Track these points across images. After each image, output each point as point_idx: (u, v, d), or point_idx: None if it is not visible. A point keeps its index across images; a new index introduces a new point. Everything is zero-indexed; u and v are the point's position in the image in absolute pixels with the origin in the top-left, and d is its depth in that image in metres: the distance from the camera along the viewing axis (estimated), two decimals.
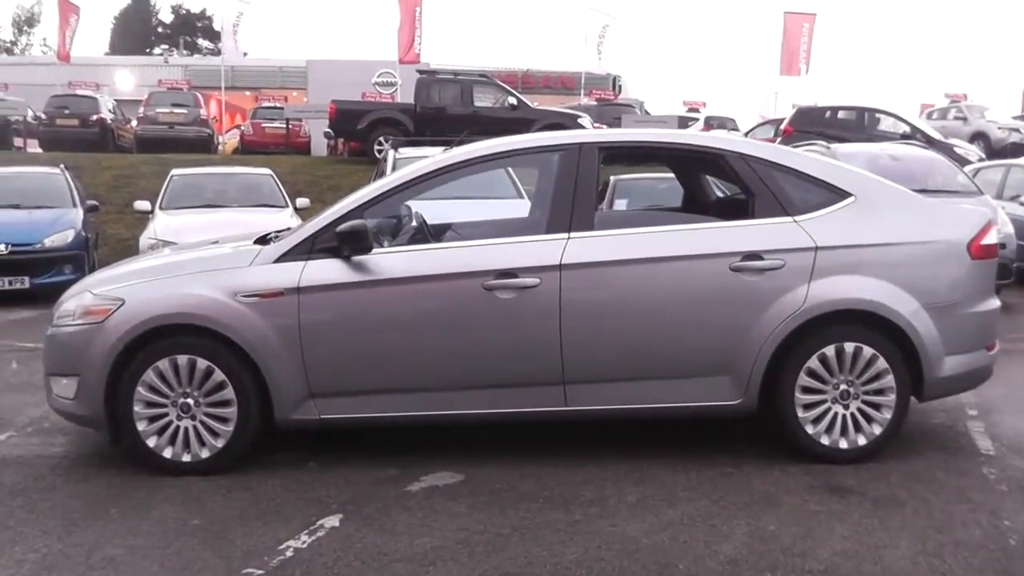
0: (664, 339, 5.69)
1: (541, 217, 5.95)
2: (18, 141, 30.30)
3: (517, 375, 5.68)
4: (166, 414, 5.67)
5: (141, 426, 5.65)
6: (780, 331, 5.65)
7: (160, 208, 14.10)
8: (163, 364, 5.62)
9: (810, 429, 5.76)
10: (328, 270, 5.64)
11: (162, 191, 14.67)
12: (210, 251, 6.33)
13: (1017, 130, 29.70)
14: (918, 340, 5.74)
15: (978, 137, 29.24)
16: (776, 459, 5.84)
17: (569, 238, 5.68)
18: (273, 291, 5.59)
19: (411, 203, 6.55)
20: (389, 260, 5.70)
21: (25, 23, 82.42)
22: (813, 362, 5.73)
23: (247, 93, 47.53)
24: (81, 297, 5.89)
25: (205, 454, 5.68)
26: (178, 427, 5.67)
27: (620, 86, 43.99)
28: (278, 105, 34.15)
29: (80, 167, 20.73)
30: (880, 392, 5.78)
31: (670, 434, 6.35)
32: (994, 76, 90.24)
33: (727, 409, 5.79)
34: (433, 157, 6.19)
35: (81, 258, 13.64)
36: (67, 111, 29.83)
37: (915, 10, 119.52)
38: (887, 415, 5.79)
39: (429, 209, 6.88)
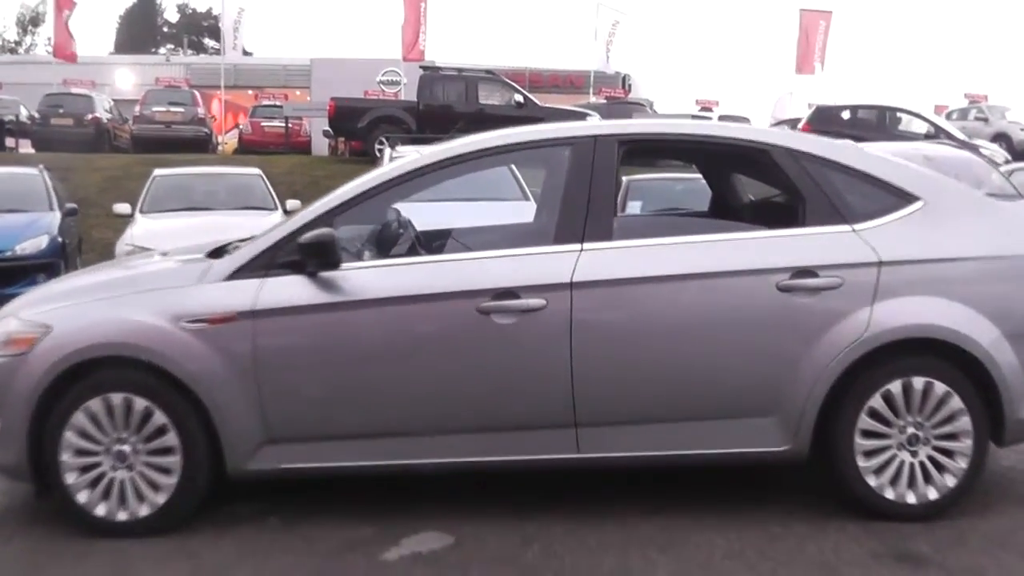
0: (697, 373, 4.74)
1: (548, 224, 4.98)
2: (10, 141, 29.37)
3: (519, 416, 4.72)
4: (99, 463, 4.71)
5: (70, 478, 4.70)
6: (837, 364, 4.69)
7: (140, 211, 13.15)
8: (95, 404, 4.67)
9: (872, 481, 4.78)
10: (290, 289, 4.68)
11: (143, 193, 13.73)
12: (153, 266, 5.38)
13: None
14: (999, 374, 4.77)
15: (999, 138, 28.44)
16: (831, 515, 4.88)
17: (582, 250, 4.72)
18: (223, 315, 4.64)
19: (401, 207, 5.64)
20: (363, 277, 4.75)
21: (30, 22, 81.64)
22: (876, 401, 4.76)
23: (250, 92, 46.73)
24: (6, 323, 4.93)
25: (144, 512, 4.71)
26: (113, 479, 4.71)
27: (630, 84, 43.04)
28: (277, 103, 33.30)
29: (71, 168, 20.09)
30: (954, 436, 4.80)
31: (703, 481, 5.37)
32: (1010, 77, 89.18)
33: (773, 457, 4.83)
34: (419, 153, 5.23)
35: (57, 266, 12.64)
36: (61, 110, 28.83)
37: (930, 9, 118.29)
38: (962, 464, 4.81)
39: (421, 213, 5.95)
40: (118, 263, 6.27)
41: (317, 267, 4.67)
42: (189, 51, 71.78)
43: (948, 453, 4.81)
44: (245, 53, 61.76)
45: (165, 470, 4.70)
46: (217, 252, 5.16)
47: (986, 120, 30.00)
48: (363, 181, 5.02)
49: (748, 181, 6.37)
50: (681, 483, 5.33)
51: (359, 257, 4.97)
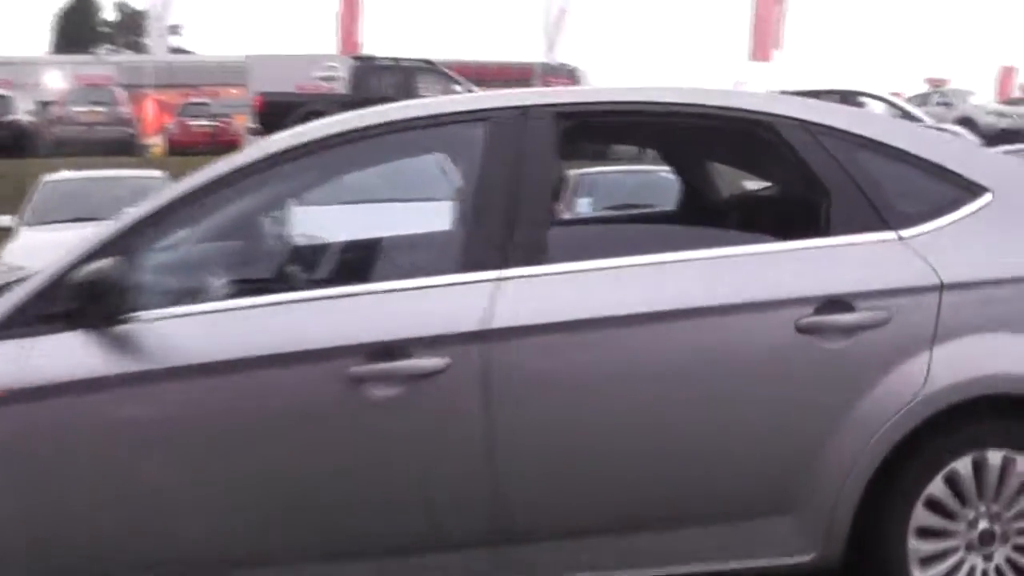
0: (681, 459, 3.26)
1: (455, 241, 3.44)
2: None
3: (414, 533, 3.21)
4: None
5: None
6: (883, 437, 3.23)
7: (25, 224, 11.55)
8: None
9: None
10: (65, 355, 3.10)
11: (27, 201, 12.15)
12: None
13: (1006, 115, 28.08)
14: None
15: (964, 123, 27.39)
16: None
17: (502, 279, 3.20)
18: None
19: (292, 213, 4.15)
20: (174, 332, 3.17)
21: None
22: (937, 486, 3.31)
23: (184, 91, 45.28)
24: None
25: None
26: None
27: (578, 76, 41.98)
28: (205, 101, 31.73)
29: None
30: None
31: None
32: (970, 61, 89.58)
33: (793, 569, 3.34)
34: (258, 144, 3.68)
35: None
36: None
37: None
38: None
39: (316, 221, 4.69)
40: None
41: (99, 320, 3.11)
42: (127, 51, 70.11)
43: None
44: (183, 51, 60.27)
45: None
46: None
47: (949, 104, 29.11)
48: (179, 187, 3.45)
49: (730, 170, 4.89)
50: None
51: (208, 293, 3.41)
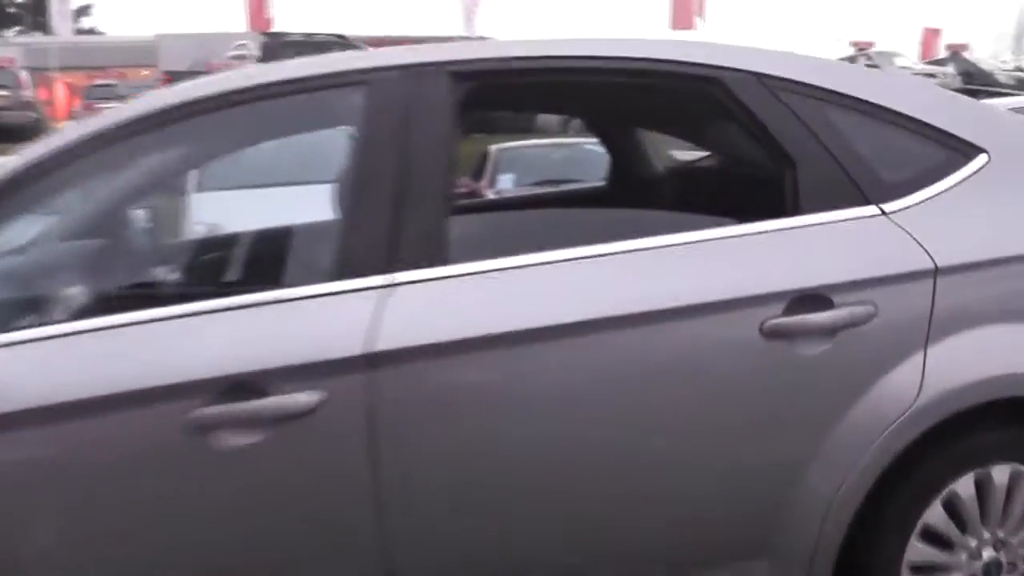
0: (625, 499, 2.63)
1: (328, 241, 2.70)
2: None
3: None
4: None
5: None
6: (871, 460, 2.64)
7: None
8: None
9: None
10: None
11: None
12: None
13: (933, 76, 28.24)
14: None
15: None
16: None
17: (390, 286, 2.52)
18: None
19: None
20: None
21: None
22: (934, 513, 2.74)
23: (93, 73, 44.08)
24: None
25: None
26: None
27: None
28: (111, 82, 30.75)
29: None
30: None
31: None
32: (887, 22, 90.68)
33: None
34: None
35: None
36: None
37: None
38: None
39: (209, 209, 4.40)
40: None
41: None
42: (36, 32, 68.60)
43: None
44: (95, 32, 58.80)
45: None
46: None
47: (876, 67, 29.12)
48: None
49: (667, 140, 4.25)
50: None
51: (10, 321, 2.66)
